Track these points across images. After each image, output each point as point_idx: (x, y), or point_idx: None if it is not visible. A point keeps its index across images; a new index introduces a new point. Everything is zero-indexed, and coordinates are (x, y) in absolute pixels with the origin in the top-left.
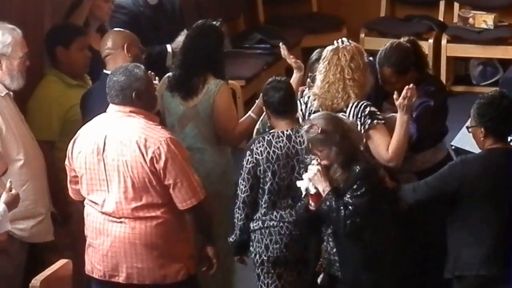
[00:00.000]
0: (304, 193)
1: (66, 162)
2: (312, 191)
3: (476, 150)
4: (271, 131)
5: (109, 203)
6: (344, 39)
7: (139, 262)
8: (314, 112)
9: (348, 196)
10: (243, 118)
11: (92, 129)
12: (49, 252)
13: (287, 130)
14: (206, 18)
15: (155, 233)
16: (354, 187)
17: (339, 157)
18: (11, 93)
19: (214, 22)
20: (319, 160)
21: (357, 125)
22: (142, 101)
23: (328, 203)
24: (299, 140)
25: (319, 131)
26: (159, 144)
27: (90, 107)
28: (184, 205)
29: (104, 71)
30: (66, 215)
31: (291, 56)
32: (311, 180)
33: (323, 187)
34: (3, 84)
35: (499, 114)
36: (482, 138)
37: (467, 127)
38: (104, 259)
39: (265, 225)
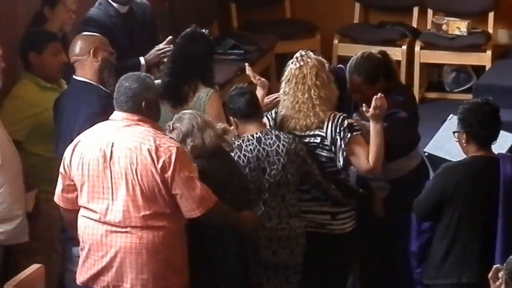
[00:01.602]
0: None
1: (62, 169)
2: None
3: (450, 156)
4: (241, 136)
5: (114, 212)
6: (303, 52)
7: (144, 273)
8: (289, 133)
9: None
10: (232, 126)
11: (96, 136)
12: (21, 256)
13: (256, 133)
14: (180, 23)
15: (162, 243)
16: None
17: None
18: None
19: (203, 30)
20: None
21: (337, 139)
22: (150, 111)
23: None
24: (269, 142)
25: (170, 129)
26: (169, 153)
27: (61, 112)
28: (189, 214)
29: (74, 76)
30: (34, 213)
31: (258, 77)
32: None
33: None
34: None
35: (478, 120)
36: (465, 144)
37: (454, 132)
38: (109, 270)
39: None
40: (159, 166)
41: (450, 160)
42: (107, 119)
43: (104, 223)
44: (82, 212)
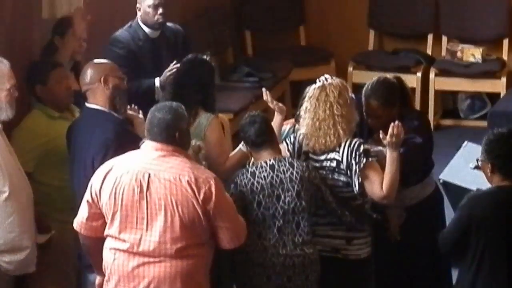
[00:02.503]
0: None
1: (88, 197)
2: None
3: (465, 183)
4: (254, 163)
5: (148, 242)
6: (328, 76)
7: None
8: (306, 153)
9: None
10: (234, 152)
11: (130, 165)
12: (33, 286)
13: (270, 160)
14: (195, 50)
15: (196, 270)
16: None
17: None
18: (0, 124)
19: (205, 56)
20: None
21: (352, 164)
22: (183, 140)
23: None
24: (283, 169)
25: None
26: (208, 185)
27: (74, 140)
28: (227, 245)
29: (86, 104)
30: (46, 242)
31: (275, 102)
32: None
33: None
34: None
35: (505, 152)
36: (489, 174)
37: (477, 159)
38: None
39: (249, 257)
40: (200, 198)
41: (465, 188)
42: (121, 145)
43: (136, 253)
44: (110, 243)
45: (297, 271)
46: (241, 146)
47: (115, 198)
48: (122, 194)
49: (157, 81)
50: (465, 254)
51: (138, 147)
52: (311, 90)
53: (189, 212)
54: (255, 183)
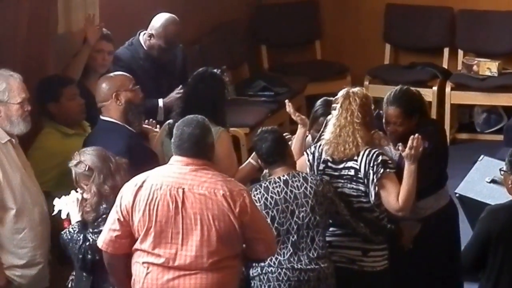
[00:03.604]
0: (55, 212)
1: (119, 215)
2: (64, 215)
3: (481, 197)
4: (268, 178)
5: (184, 257)
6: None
7: None
8: (325, 162)
9: (90, 231)
10: (243, 165)
11: (163, 181)
12: None
13: (283, 176)
14: (210, 65)
15: (230, 280)
16: (95, 223)
17: (95, 196)
18: (14, 139)
19: (215, 70)
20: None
21: (370, 173)
22: (211, 153)
23: (70, 233)
24: (296, 185)
25: (86, 169)
26: (242, 197)
27: None
28: (262, 256)
29: (101, 117)
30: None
31: (297, 114)
32: (67, 205)
33: (74, 216)
34: (4, 130)
35: None
36: (510, 186)
37: (500, 170)
38: None
39: (264, 271)
40: (236, 211)
41: (482, 201)
42: (133, 159)
43: (171, 267)
44: (141, 257)
45: (312, 285)
46: (251, 160)
47: (149, 215)
48: (157, 210)
49: (160, 102)
50: (484, 268)
51: (151, 160)
52: (336, 98)
53: (225, 225)
54: (269, 198)
